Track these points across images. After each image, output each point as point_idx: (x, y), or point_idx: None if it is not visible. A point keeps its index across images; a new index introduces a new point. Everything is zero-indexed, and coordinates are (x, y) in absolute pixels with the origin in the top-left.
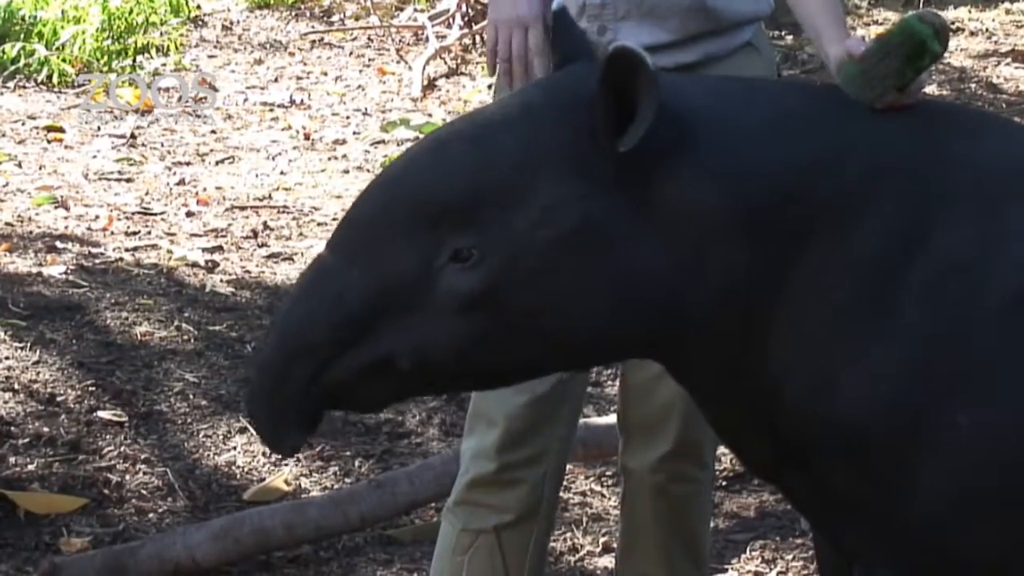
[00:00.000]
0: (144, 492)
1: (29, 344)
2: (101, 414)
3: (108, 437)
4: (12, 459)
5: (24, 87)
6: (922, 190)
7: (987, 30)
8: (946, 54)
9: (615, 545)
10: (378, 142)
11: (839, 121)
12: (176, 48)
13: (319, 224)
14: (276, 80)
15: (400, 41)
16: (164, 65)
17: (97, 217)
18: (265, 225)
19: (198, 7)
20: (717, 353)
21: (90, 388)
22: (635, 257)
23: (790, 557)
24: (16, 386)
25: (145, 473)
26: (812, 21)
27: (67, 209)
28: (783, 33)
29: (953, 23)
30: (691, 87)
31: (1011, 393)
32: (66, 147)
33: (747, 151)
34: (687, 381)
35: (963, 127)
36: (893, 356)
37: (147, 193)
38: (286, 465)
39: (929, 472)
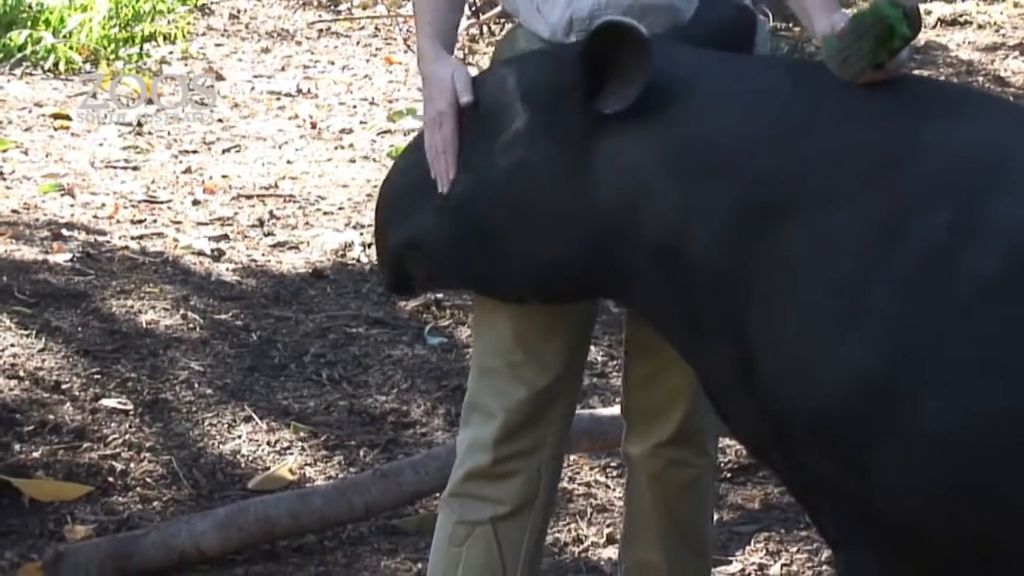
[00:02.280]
0: (149, 480)
1: (34, 331)
2: (106, 402)
3: (113, 425)
4: (17, 446)
5: (31, 74)
6: (896, 174)
7: (995, 23)
8: (954, 47)
9: (619, 536)
10: (385, 131)
11: (812, 102)
12: (183, 36)
13: (325, 213)
14: (283, 69)
15: (407, 30)
16: (171, 53)
17: (103, 205)
18: (271, 214)
19: None
20: (679, 316)
21: (95, 376)
22: (566, 204)
23: (794, 549)
24: (21, 373)
25: (150, 461)
26: (803, 2)
27: (73, 197)
28: (790, 25)
29: (961, 16)
30: (671, 59)
31: (983, 379)
32: (72, 135)
33: (703, 123)
34: (673, 343)
35: (940, 108)
36: (865, 341)
37: (153, 181)
38: (291, 454)
39: (901, 457)
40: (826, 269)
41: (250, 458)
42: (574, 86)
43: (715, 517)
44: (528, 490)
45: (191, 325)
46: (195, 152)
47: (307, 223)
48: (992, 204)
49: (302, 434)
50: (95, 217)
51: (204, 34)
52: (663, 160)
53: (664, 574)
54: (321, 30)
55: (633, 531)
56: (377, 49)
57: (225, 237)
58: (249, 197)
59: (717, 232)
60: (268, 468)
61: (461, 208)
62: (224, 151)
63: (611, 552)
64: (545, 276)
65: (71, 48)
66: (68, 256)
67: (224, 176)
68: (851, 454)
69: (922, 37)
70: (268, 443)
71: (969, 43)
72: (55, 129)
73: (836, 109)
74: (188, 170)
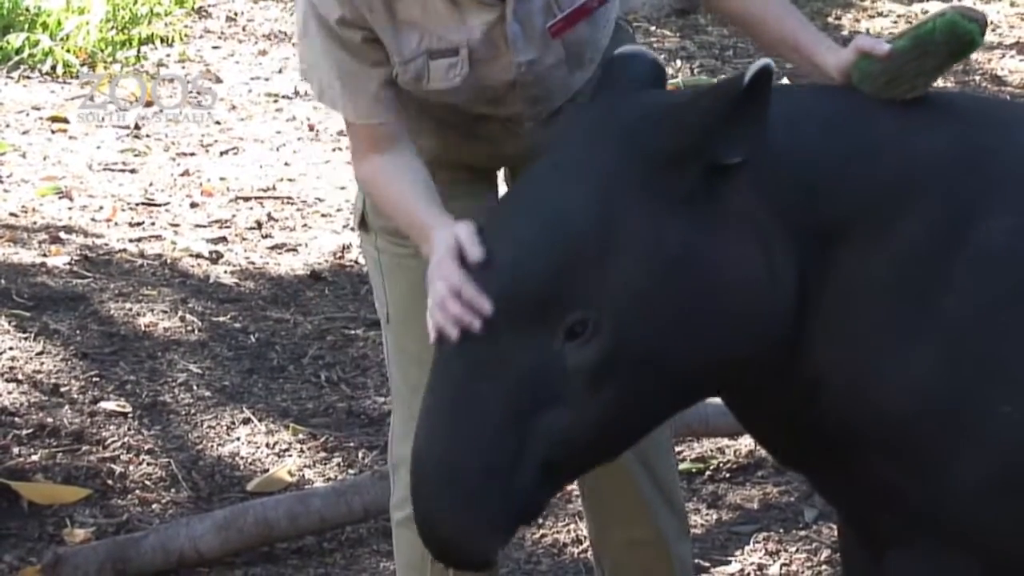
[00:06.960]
0: (148, 483)
1: (33, 334)
2: (104, 405)
3: (112, 428)
4: (16, 449)
5: (28, 77)
6: (959, 183)
7: (992, 22)
8: None
9: (589, 527)
10: None
11: (866, 118)
12: (180, 39)
13: (323, 215)
14: (280, 71)
15: None
16: (168, 56)
17: (101, 208)
18: (269, 216)
19: None
20: (773, 357)
21: (94, 379)
22: (724, 269)
23: (793, 549)
24: (20, 376)
25: (149, 464)
26: (793, 37)
27: (71, 200)
28: None
29: None
30: None
31: None
32: (70, 138)
33: (785, 152)
34: (732, 393)
35: (994, 119)
36: (936, 348)
37: (151, 184)
38: (289, 456)
39: (972, 462)
40: (897, 281)
41: (249, 460)
42: (705, 141)
43: (714, 517)
44: None
45: (189, 327)
46: (193, 154)
47: (305, 225)
48: None
49: (301, 436)
50: (93, 220)
51: (201, 36)
52: (760, 198)
53: (657, 548)
54: None
55: (609, 515)
56: None
57: (223, 239)
58: (247, 199)
59: (813, 261)
60: (267, 470)
61: (609, 367)
62: (222, 153)
63: None
64: (715, 375)
65: (68, 51)
66: (66, 259)
67: (222, 178)
68: (920, 461)
69: None
70: (267, 445)
71: None
72: (52, 132)
73: (893, 125)
74: (186, 172)
